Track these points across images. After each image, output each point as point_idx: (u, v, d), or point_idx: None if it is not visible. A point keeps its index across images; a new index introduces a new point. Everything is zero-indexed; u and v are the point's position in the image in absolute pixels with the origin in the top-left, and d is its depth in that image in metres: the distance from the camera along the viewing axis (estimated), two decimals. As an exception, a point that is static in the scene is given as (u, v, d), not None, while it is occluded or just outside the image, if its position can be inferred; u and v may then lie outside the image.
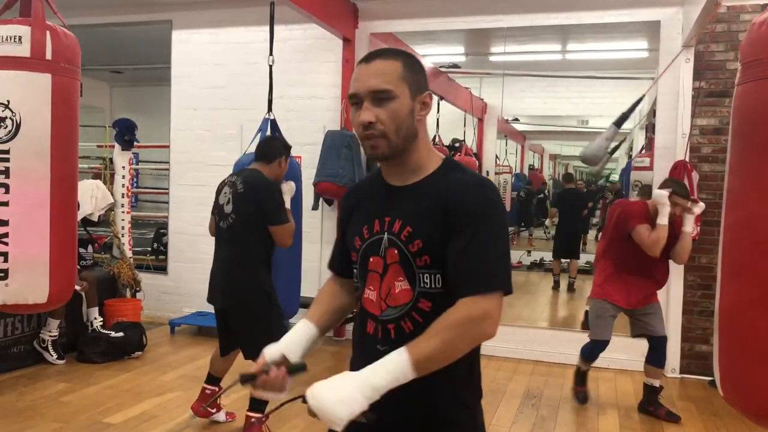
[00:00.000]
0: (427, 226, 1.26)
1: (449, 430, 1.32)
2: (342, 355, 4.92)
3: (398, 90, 1.27)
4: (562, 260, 7.23)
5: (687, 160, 4.37)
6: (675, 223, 3.53)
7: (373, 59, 1.30)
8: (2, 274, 2.41)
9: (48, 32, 2.45)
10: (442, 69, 7.29)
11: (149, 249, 6.77)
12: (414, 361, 1.17)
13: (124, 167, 5.21)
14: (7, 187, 2.40)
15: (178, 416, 3.53)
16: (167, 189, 6.07)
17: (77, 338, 4.53)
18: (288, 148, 3.36)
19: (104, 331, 4.55)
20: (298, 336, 1.39)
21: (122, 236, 5.21)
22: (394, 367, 1.18)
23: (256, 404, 3.08)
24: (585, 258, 7.82)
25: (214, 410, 3.41)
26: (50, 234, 2.48)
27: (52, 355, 4.33)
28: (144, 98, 9.24)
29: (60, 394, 3.81)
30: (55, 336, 4.35)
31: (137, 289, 5.19)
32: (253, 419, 3.10)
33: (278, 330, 3.07)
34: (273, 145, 3.32)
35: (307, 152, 5.15)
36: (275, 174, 3.23)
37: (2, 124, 2.39)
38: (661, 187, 3.66)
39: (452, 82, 7.43)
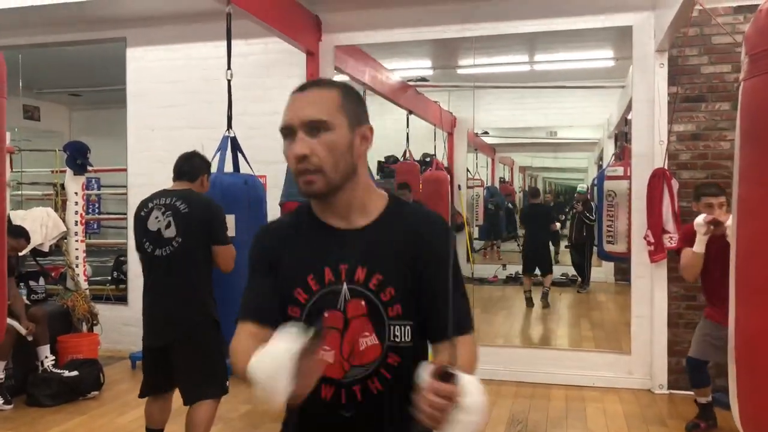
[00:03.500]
0: (398, 272, 1.17)
1: None
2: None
3: (335, 120, 1.17)
4: (536, 274, 7.10)
5: (666, 167, 4.24)
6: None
7: (308, 88, 1.21)
8: None
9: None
10: (410, 83, 7.15)
11: (109, 278, 6.42)
12: None
13: (77, 193, 4.89)
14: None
15: (136, 463, 3.22)
16: (124, 213, 5.77)
17: (26, 380, 4.17)
18: (208, 164, 3.15)
19: (56, 371, 4.20)
20: None
21: (76, 266, 4.88)
22: None
23: None
24: (560, 270, 7.71)
25: None
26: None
27: (-2, 400, 3.98)
28: (104, 120, 8.91)
29: (5, 444, 3.48)
30: (1, 379, 3.99)
31: (94, 322, 4.85)
32: None
33: (223, 366, 2.88)
34: (193, 162, 3.10)
35: (272, 171, 4.91)
36: (198, 190, 3.02)
37: None
38: (697, 194, 3.59)
39: (421, 96, 7.30)
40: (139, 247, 2.93)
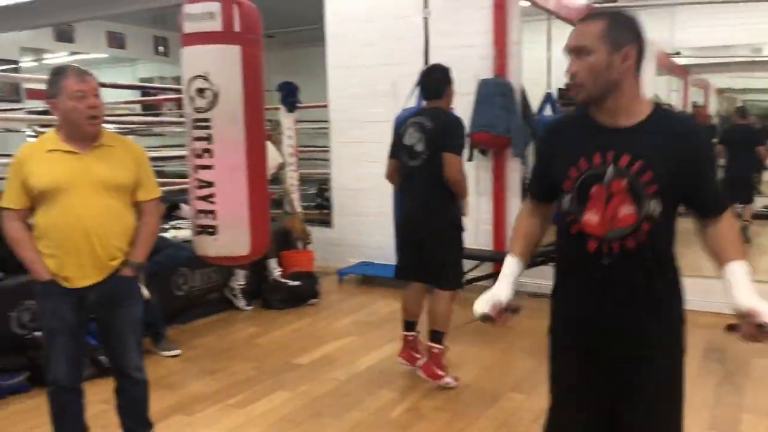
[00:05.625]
0: (658, 160, 1.49)
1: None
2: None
3: (595, 46, 1.48)
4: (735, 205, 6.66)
5: None
6: None
7: (581, 20, 1.53)
8: (212, 230, 2.71)
9: (235, 6, 2.64)
10: (597, 5, 6.88)
11: (312, 204, 7.18)
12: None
13: (289, 128, 5.53)
14: (210, 151, 2.67)
15: (357, 359, 3.80)
16: (325, 147, 6.39)
17: (260, 287, 4.97)
18: (447, 76, 3.40)
19: (283, 281, 4.96)
20: (509, 278, 1.68)
21: (292, 193, 5.57)
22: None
23: (437, 335, 3.33)
24: (762, 202, 7.15)
25: (418, 355, 3.53)
26: (248, 193, 2.73)
27: (241, 302, 4.81)
28: (295, 60, 9.64)
29: (252, 337, 4.24)
30: (242, 285, 4.82)
31: (308, 241, 5.56)
32: (435, 350, 3.33)
33: (459, 265, 3.46)
34: (431, 79, 3.41)
35: (460, 103, 5.11)
36: (448, 104, 3.39)
37: (203, 94, 2.65)
38: None
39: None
40: (396, 157, 3.42)
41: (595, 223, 1.52)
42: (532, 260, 1.75)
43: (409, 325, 3.54)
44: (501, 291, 1.66)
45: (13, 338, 3.42)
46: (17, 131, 9.51)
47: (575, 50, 1.50)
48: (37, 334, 3.43)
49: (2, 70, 9.62)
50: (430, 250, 3.31)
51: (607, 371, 1.60)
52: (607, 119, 1.54)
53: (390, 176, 3.53)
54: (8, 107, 9.52)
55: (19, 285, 3.45)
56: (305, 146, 9.98)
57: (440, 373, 3.33)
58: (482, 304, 1.64)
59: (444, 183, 3.25)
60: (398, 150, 3.40)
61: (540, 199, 1.74)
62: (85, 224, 2.23)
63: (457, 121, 3.35)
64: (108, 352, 2.50)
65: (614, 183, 1.50)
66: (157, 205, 2.46)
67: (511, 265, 1.70)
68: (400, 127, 3.44)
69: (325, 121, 6.37)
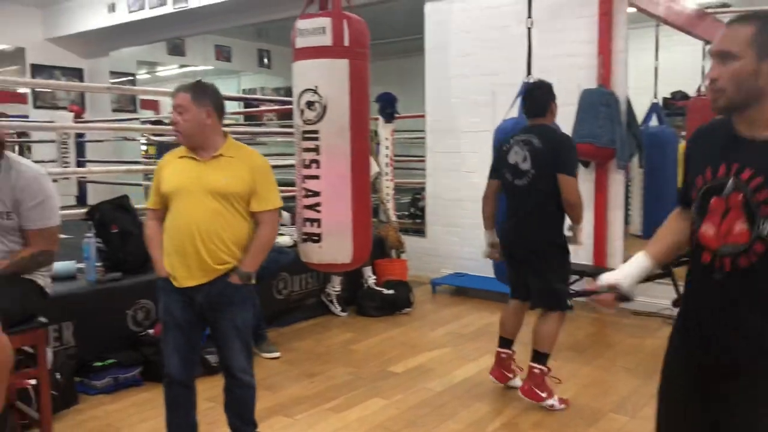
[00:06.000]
0: None
1: None
2: (603, 321, 4.81)
3: (742, 52, 1.41)
4: None
5: None
6: None
7: (731, 23, 1.45)
8: (317, 238, 2.80)
9: (345, 21, 2.72)
10: (709, 10, 6.56)
11: (406, 213, 7.24)
12: None
13: (387, 138, 5.62)
14: (318, 162, 2.76)
15: (452, 370, 3.78)
16: (420, 156, 6.43)
17: (355, 294, 5.06)
18: (550, 92, 3.33)
19: (377, 288, 5.02)
20: (634, 268, 1.64)
21: (387, 202, 5.65)
22: None
23: (539, 357, 3.24)
24: None
25: (510, 374, 3.48)
26: (352, 203, 2.80)
27: (336, 308, 4.91)
28: (393, 70, 9.77)
29: (348, 343, 4.32)
30: (338, 291, 4.92)
31: (402, 250, 5.61)
32: (536, 370, 3.25)
33: (565, 287, 3.37)
34: (538, 96, 3.33)
35: (561, 113, 4.99)
36: (551, 121, 3.33)
37: (312, 107, 2.74)
38: None
39: (719, 25, 6.64)
40: (499, 176, 3.37)
41: (711, 236, 1.48)
42: (667, 264, 1.73)
43: (505, 342, 3.50)
44: (616, 273, 1.63)
45: (129, 335, 3.66)
46: (133, 139, 10.21)
47: (720, 54, 1.44)
48: (151, 331, 3.66)
49: (120, 83, 10.35)
50: (537, 271, 3.25)
51: (715, 388, 1.54)
52: (746, 130, 1.48)
53: (488, 196, 3.46)
54: (125, 117, 10.23)
55: (135, 285, 3.70)
56: (400, 156, 10.12)
57: (542, 394, 3.25)
58: (606, 277, 1.63)
59: (550, 203, 3.19)
60: (501, 168, 3.34)
61: (684, 205, 1.68)
62: (192, 227, 2.34)
63: (569, 140, 3.28)
64: (218, 353, 2.62)
65: (732, 196, 1.45)
66: (273, 216, 2.48)
67: (640, 258, 1.64)
68: (502, 144, 3.39)
69: (421, 131, 6.42)
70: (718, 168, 1.48)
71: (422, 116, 6.22)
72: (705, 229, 1.50)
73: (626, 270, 1.63)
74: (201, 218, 2.34)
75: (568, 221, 3.30)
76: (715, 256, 1.48)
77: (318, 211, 2.79)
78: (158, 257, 2.45)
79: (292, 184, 3.04)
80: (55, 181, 7.21)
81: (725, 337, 1.50)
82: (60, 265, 3.42)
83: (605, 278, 1.63)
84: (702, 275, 1.52)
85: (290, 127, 3.79)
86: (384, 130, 5.63)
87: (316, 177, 2.78)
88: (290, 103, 3.10)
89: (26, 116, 9.43)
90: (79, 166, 8.71)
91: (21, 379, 2.51)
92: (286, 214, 4.36)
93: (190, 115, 2.36)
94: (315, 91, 2.74)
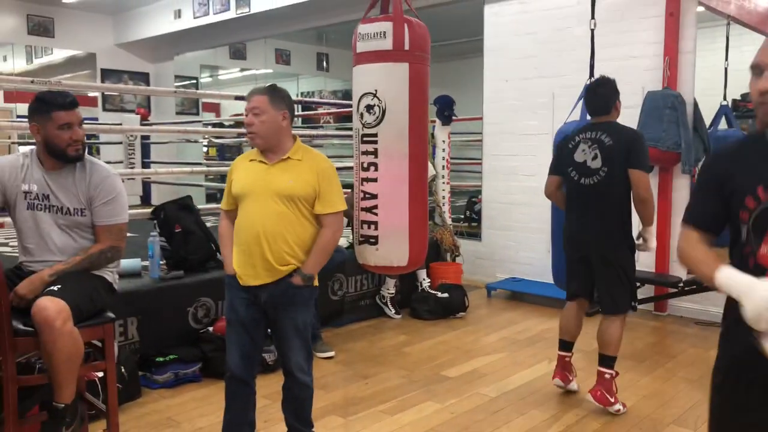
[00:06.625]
0: None
1: None
2: (664, 330, 4.66)
3: None
4: None
5: None
6: None
7: None
8: (374, 240, 2.81)
9: (406, 25, 2.73)
10: (784, 8, 6.26)
11: (462, 216, 7.20)
12: None
13: (444, 141, 5.60)
14: (376, 165, 2.78)
15: (506, 376, 3.74)
16: (477, 159, 6.38)
17: (409, 296, 5.06)
18: (614, 88, 3.24)
19: (432, 291, 5.01)
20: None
21: (443, 205, 5.63)
22: None
23: (607, 360, 3.21)
24: None
25: (572, 377, 3.45)
26: (409, 206, 2.80)
27: (390, 310, 4.93)
28: (451, 72, 9.72)
29: (401, 345, 4.32)
30: (392, 293, 4.93)
31: (456, 254, 5.58)
32: (606, 375, 3.21)
33: (634, 286, 3.31)
34: (598, 95, 3.25)
35: (624, 116, 4.87)
36: (616, 118, 3.26)
37: (372, 111, 2.76)
38: None
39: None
40: (563, 174, 3.30)
41: None
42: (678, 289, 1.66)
43: (566, 345, 3.43)
44: None
45: (190, 332, 3.76)
46: (195, 141, 10.51)
47: None
48: (210, 329, 3.75)
49: (184, 86, 10.68)
50: (604, 272, 3.19)
51: None
52: None
53: (552, 194, 3.42)
54: (188, 120, 10.54)
55: (196, 283, 3.80)
56: (457, 158, 10.09)
57: (611, 399, 3.20)
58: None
59: (621, 202, 3.13)
60: (565, 166, 3.28)
61: (706, 229, 1.60)
62: (258, 229, 2.39)
63: (640, 136, 3.21)
64: (278, 351, 2.66)
65: None
66: (337, 219, 2.48)
67: (748, 277, 1.40)
68: (567, 141, 3.31)
69: (477, 133, 6.37)
70: None
71: (480, 119, 6.18)
72: (765, 252, 1.43)
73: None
74: (267, 220, 2.39)
75: (635, 230, 3.22)
76: None
77: (375, 214, 2.80)
78: (228, 254, 2.52)
79: (348, 186, 3.06)
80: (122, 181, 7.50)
81: None
82: (125, 263, 3.56)
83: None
84: None
85: (347, 129, 3.83)
86: (441, 133, 5.61)
87: (374, 180, 2.80)
88: (347, 105, 3.14)
89: (96, 119, 9.84)
90: (143, 167, 9.02)
91: (90, 372, 2.61)
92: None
93: (267, 116, 2.42)
94: (375, 95, 2.76)
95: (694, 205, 1.65)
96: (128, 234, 2.69)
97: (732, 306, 1.48)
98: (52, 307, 2.17)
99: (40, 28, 9.39)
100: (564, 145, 3.31)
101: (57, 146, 2.42)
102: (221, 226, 2.60)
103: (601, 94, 3.24)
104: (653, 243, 3.24)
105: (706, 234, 1.61)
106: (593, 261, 3.22)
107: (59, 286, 2.28)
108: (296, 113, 9.65)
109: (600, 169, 3.12)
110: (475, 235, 6.36)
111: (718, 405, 1.60)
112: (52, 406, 2.25)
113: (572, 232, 3.32)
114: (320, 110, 8.97)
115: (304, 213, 2.44)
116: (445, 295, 4.98)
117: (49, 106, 2.41)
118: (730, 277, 1.42)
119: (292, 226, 2.42)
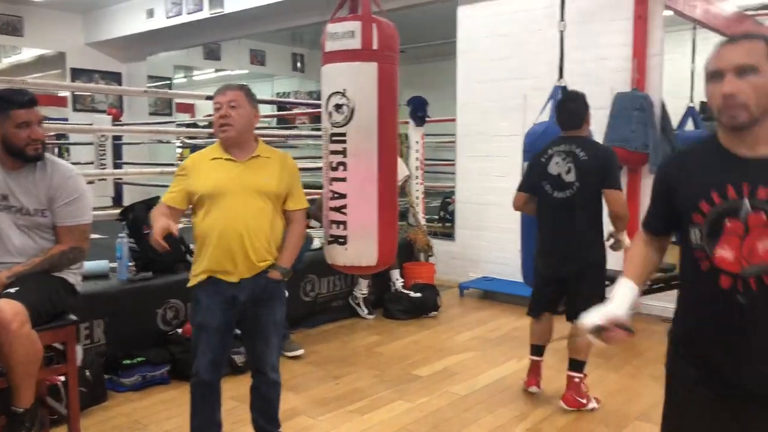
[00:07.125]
0: None
1: None
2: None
3: (762, 66, 1.40)
4: None
5: None
6: None
7: (738, 40, 1.43)
8: (342, 240, 2.80)
9: (374, 25, 2.73)
10: (749, 12, 6.40)
11: (436, 217, 7.22)
12: None
13: (417, 142, 5.61)
14: (345, 165, 2.77)
15: (477, 375, 3.75)
16: (451, 160, 6.41)
17: (382, 296, 5.06)
18: (584, 103, 3.26)
19: (405, 291, 5.01)
20: (628, 297, 1.62)
21: (416, 205, 5.64)
22: None
23: (577, 365, 3.23)
24: None
25: (540, 378, 3.47)
26: (378, 206, 2.80)
27: (363, 311, 4.92)
28: (424, 74, 9.77)
29: (373, 345, 4.32)
30: (365, 294, 4.92)
31: (430, 254, 5.59)
32: (575, 379, 3.24)
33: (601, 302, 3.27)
34: (572, 108, 3.25)
35: (594, 117, 4.93)
36: (586, 133, 3.27)
37: (340, 110, 2.75)
38: None
39: (762, 27, 6.48)
40: (536, 189, 3.27)
41: (730, 259, 1.43)
42: (646, 288, 1.69)
43: (539, 350, 3.46)
44: (617, 307, 1.60)
45: (158, 333, 3.72)
46: (168, 142, 10.40)
47: (740, 69, 1.39)
48: (179, 330, 3.71)
49: (157, 86, 10.56)
50: (576, 286, 3.19)
51: (740, 414, 1.50)
52: (744, 149, 1.45)
53: (520, 208, 3.41)
54: (161, 120, 10.42)
55: (165, 284, 3.75)
56: (430, 159, 10.11)
57: (583, 401, 3.24)
58: (594, 317, 1.60)
59: (594, 218, 3.15)
60: (538, 181, 3.25)
61: (657, 233, 1.68)
62: (239, 227, 2.37)
63: (613, 154, 3.22)
64: (249, 351, 2.64)
65: (751, 217, 1.41)
66: (304, 215, 2.60)
67: (626, 285, 1.63)
68: (539, 155, 3.28)
69: (451, 135, 6.40)
70: (725, 190, 1.44)
71: (453, 120, 6.21)
72: (722, 254, 1.45)
73: (621, 301, 1.61)
74: (249, 217, 2.39)
75: (606, 231, 3.25)
76: (737, 279, 1.43)
77: (344, 214, 2.79)
78: (159, 223, 2.28)
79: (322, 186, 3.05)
80: (92, 182, 7.40)
81: (759, 362, 1.45)
82: (93, 264, 3.50)
83: (609, 315, 1.59)
84: (722, 301, 1.46)
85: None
86: (414, 134, 5.62)
87: (342, 179, 2.78)
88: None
89: (66, 119, 9.69)
90: (115, 168, 8.91)
91: (50, 375, 2.56)
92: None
93: (243, 111, 2.44)
94: (343, 94, 2.75)
95: (648, 208, 1.70)
96: (97, 235, 2.66)
97: (676, 315, 1.63)
98: (8, 310, 2.13)
99: (9, 27, 9.23)
100: (536, 162, 3.28)
101: (15, 145, 2.37)
102: (158, 208, 2.43)
103: (571, 110, 3.24)
104: (627, 243, 3.21)
105: (657, 236, 1.68)
106: (568, 278, 3.21)
107: (17, 288, 2.23)
108: (272, 113, 9.68)
109: (573, 183, 3.12)
110: (449, 235, 6.39)
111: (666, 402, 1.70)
112: (11, 410, 2.20)
113: (545, 252, 3.31)
114: (295, 110, 8.94)
115: (277, 209, 2.49)
116: (418, 294, 4.99)
117: (7, 104, 2.36)
118: (616, 287, 1.65)
119: (270, 221, 2.45)
